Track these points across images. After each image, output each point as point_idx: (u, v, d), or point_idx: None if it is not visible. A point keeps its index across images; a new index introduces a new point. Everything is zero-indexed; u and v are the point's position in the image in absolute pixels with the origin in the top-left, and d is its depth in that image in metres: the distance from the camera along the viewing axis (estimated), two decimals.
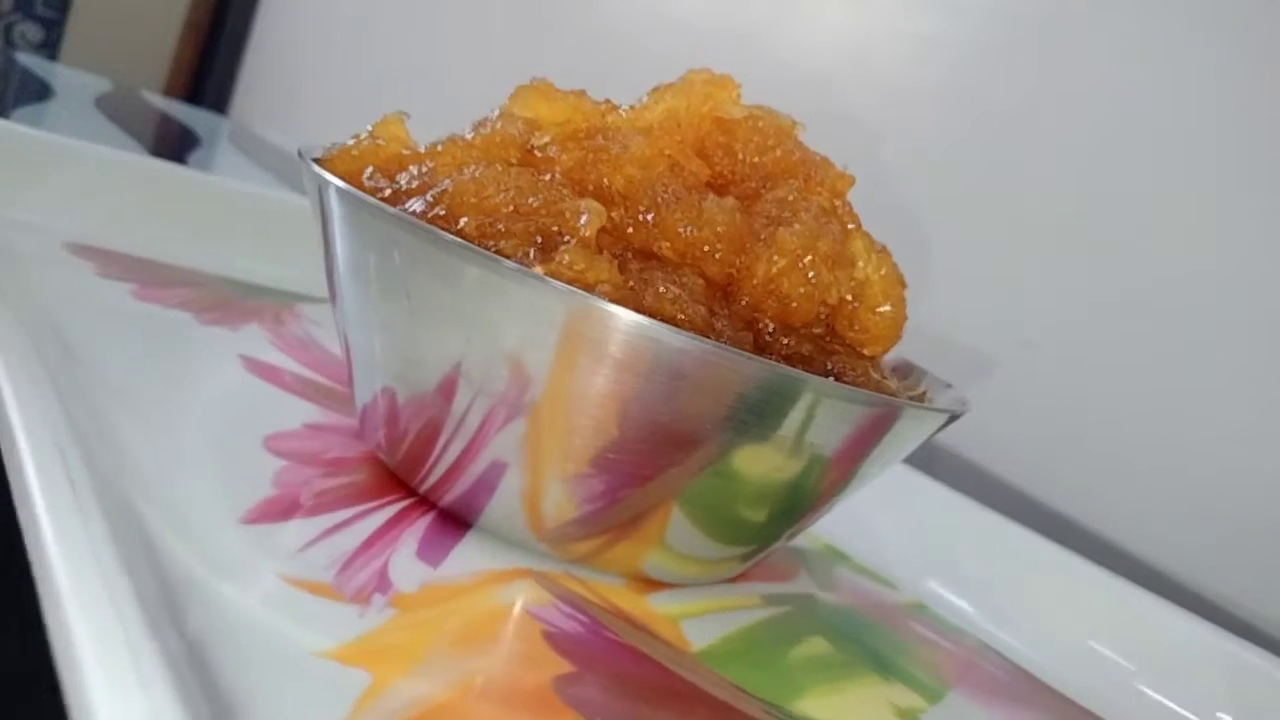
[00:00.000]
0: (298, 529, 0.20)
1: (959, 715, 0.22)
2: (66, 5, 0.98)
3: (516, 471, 0.21)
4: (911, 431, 0.22)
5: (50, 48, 0.98)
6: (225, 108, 0.95)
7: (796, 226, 0.21)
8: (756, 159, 0.23)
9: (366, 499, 0.22)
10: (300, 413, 0.25)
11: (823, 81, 0.44)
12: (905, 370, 0.25)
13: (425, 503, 0.23)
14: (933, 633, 0.26)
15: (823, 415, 0.20)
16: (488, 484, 0.22)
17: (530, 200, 0.20)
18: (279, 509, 0.20)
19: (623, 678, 0.19)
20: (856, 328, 0.23)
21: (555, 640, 0.19)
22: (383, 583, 0.19)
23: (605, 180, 0.21)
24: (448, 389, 0.21)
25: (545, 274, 0.19)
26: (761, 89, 0.26)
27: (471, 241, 0.20)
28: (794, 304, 0.21)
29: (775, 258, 0.21)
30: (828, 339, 0.23)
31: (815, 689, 0.21)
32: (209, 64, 0.96)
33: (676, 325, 0.19)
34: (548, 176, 0.21)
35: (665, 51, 0.53)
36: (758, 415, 0.20)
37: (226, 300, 0.32)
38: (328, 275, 0.25)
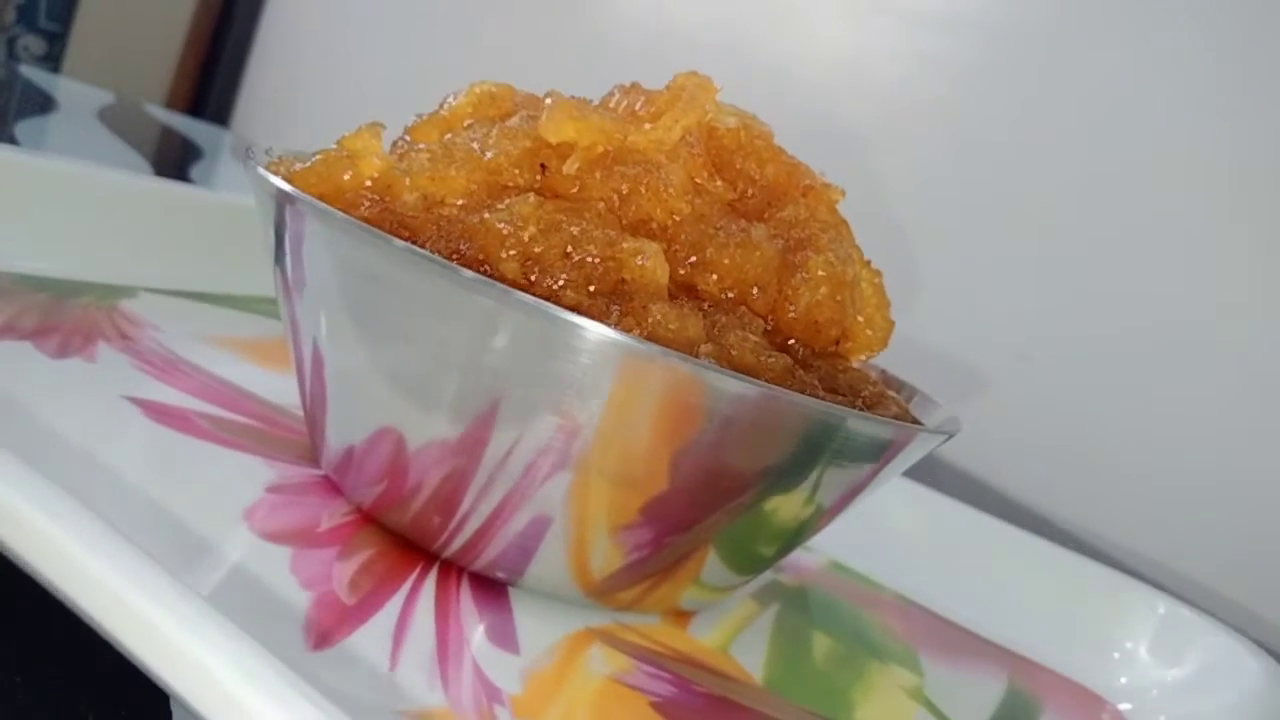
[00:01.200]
0: (365, 643, 0.17)
1: (946, 681, 0.25)
2: (70, 18, 0.91)
3: (561, 526, 0.20)
4: (917, 452, 0.23)
5: (53, 60, 0.91)
6: (227, 120, 0.92)
7: (830, 256, 0.21)
8: (756, 172, 0.23)
9: (396, 579, 0.19)
10: (249, 472, 0.21)
11: (820, 95, 0.43)
12: (896, 384, 0.26)
13: (450, 567, 0.21)
14: (861, 593, 0.29)
15: (861, 447, 0.21)
16: (528, 541, 0.20)
17: (588, 245, 0.18)
18: (331, 620, 0.17)
19: None
20: (854, 338, 0.23)
21: (664, 709, 0.18)
22: (489, 689, 0.17)
23: (646, 213, 0.20)
24: (477, 438, 0.19)
25: (644, 336, 0.17)
26: (760, 103, 0.25)
27: (516, 286, 0.18)
28: (824, 330, 0.22)
29: (822, 289, 0.21)
30: (832, 355, 0.23)
31: (852, 692, 0.22)
32: (211, 76, 0.93)
33: (759, 373, 0.19)
34: (585, 209, 0.19)
35: (663, 63, 0.50)
36: (812, 451, 0.20)
37: (46, 312, 0.26)
38: (284, 300, 0.21)
